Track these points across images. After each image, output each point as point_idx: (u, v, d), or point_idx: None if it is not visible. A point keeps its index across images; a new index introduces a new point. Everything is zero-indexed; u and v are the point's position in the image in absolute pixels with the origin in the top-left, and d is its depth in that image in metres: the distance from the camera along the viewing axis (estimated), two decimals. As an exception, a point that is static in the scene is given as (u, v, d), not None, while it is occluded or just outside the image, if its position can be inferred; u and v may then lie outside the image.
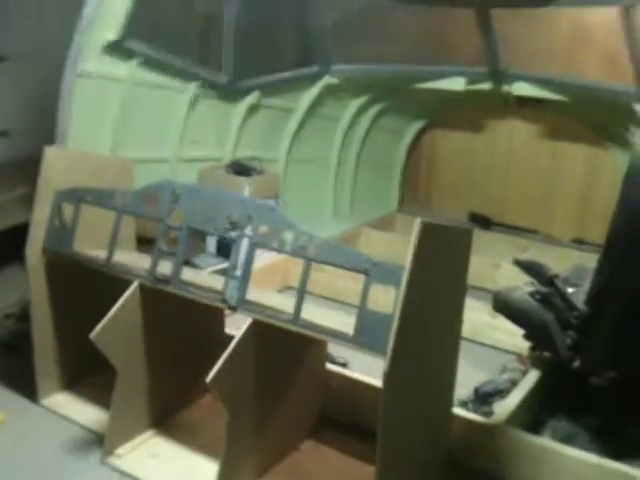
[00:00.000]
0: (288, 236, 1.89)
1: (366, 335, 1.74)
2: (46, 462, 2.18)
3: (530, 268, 2.49)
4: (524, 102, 4.23)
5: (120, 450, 2.22)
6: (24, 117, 4.48)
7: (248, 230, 1.94)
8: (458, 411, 2.28)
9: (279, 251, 1.92)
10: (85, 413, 2.43)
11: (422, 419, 1.95)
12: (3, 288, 3.37)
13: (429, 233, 1.67)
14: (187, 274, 2.17)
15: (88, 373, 2.53)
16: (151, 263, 2.11)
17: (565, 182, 4.52)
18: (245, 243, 1.93)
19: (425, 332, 1.82)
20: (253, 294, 2.02)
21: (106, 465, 2.17)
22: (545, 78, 3.86)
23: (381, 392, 1.68)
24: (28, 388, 2.48)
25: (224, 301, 1.97)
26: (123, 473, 2.14)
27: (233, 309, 1.96)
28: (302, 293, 1.86)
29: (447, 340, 2.04)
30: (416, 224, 1.62)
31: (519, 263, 2.55)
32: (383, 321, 1.69)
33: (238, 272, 1.94)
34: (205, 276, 2.45)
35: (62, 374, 2.55)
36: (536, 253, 4.09)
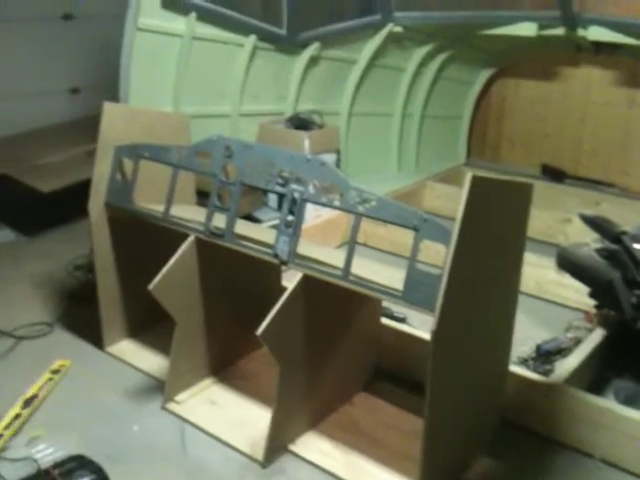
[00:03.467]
0: (339, 191, 1.87)
1: (415, 292, 1.71)
2: (109, 406, 2.29)
3: (596, 223, 2.38)
4: (600, 48, 3.99)
5: (180, 396, 2.30)
6: (93, 74, 4.59)
7: (298, 185, 1.93)
8: (515, 369, 2.23)
9: (329, 206, 1.90)
10: (148, 360, 2.53)
11: (475, 377, 1.92)
12: (74, 241, 3.51)
13: (482, 188, 1.61)
14: (244, 228, 2.19)
15: (152, 322, 2.61)
16: (206, 217, 2.14)
17: (643, 133, 4.28)
18: (295, 198, 1.93)
19: (478, 289, 1.78)
20: (308, 249, 2.03)
21: (166, 411, 2.26)
22: (622, 22, 3.60)
23: (430, 351, 1.65)
24: (95, 336, 2.60)
25: (275, 255, 1.98)
26: (182, 418, 2.22)
27: (284, 263, 1.98)
28: (352, 249, 1.84)
29: (503, 297, 1.98)
30: (467, 178, 1.57)
31: (584, 218, 2.43)
32: (432, 278, 1.66)
33: (288, 227, 1.94)
34: (261, 230, 2.46)
35: (127, 323, 2.65)
36: (611, 207, 3.92)
